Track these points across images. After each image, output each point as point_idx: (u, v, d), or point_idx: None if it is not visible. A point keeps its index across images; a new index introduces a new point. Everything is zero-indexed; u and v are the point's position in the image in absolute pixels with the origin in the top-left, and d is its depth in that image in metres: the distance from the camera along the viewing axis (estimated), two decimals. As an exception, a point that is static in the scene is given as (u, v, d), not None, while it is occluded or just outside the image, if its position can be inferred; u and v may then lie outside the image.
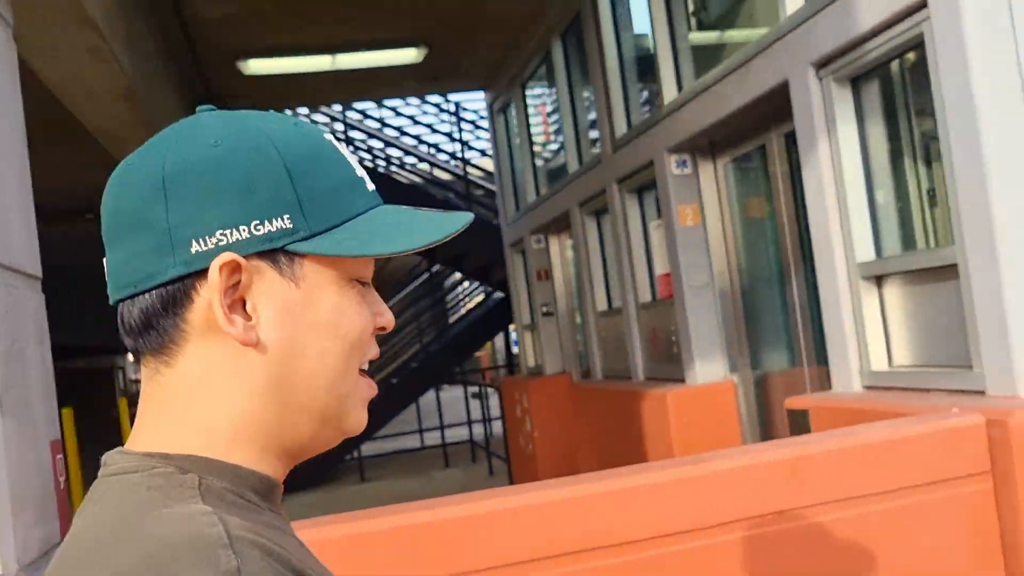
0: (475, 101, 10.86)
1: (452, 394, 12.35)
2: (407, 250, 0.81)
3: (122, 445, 0.82)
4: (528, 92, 8.12)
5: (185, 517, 0.70)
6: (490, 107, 9.18)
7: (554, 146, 8.02)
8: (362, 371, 0.85)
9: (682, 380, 5.08)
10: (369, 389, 0.86)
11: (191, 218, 0.76)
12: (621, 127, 5.75)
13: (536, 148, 8.21)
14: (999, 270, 2.70)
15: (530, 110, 8.24)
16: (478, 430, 11.42)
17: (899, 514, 2.46)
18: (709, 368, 4.94)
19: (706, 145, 4.94)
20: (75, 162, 7.19)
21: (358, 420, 0.85)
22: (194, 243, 0.76)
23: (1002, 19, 2.73)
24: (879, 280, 3.44)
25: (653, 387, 5.26)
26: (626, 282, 5.83)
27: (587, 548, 2.19)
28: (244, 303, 0.78)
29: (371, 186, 0.87)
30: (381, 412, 11.49)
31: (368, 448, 11.22)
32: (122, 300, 0.80)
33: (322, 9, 6.41)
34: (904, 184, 3.44)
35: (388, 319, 0.87)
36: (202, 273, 0.77)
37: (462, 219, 0.85)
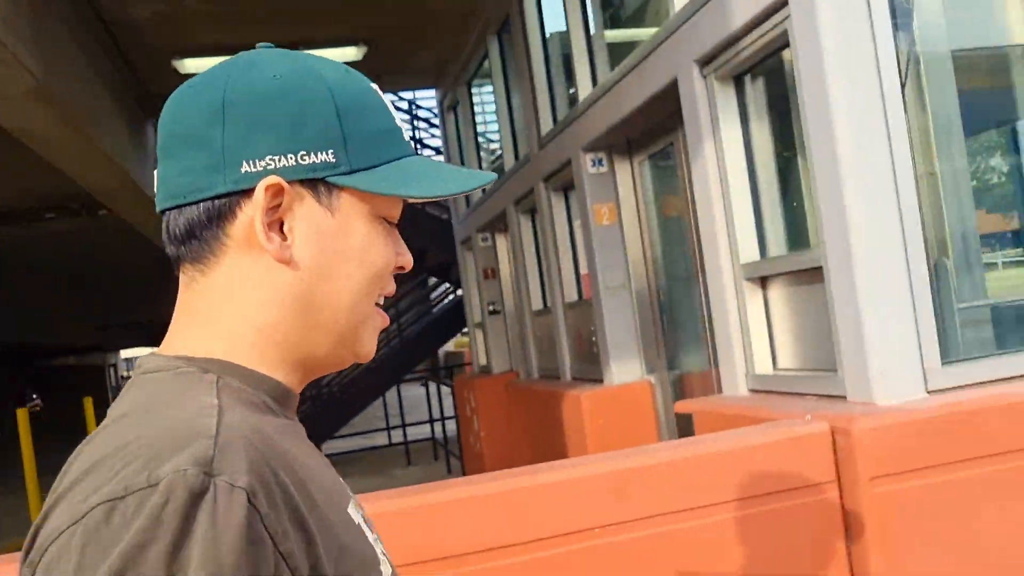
0: (430, 99, 10.73)
1: (417, 392, 12.30)
2: (438, 195, 0.88)
3: None
4: (475, 90, 8.05)
5: (191, 408, 0.76)
6: (440, 104, 9.12)
7: (496, 144, 7.96)
8: (377, 305, 0.91)
9: (601, 380, 5.03)
10: (382, 320, 0.92)
11: (245, 141, 0.82)
12: (547, 124, 5.69)
13: (483, 145, 8.14)
14: (854, 273, 2.65)
15: (478, 108, 8.17)
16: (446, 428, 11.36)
17: (746, 523, 2.40)
18: (626, 368, 4.88)
19: (623, 143, 4.88)
20: (24, 163, 7.13)
21: (370, 347, 0.92)
22: (245, 164, 0.82)
23: (859, 19, 2.67)
24: (763, 281, 3.39)
25: (573, 388, 5.21)
26: (553, 282, 5.77)
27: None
28: (282, 224, 0.84)
29: (407, 136, 0.93)
30: (343, 410, 11.48)
31: (334, 446, 11.17)
32: (168, 209, 0.86)
33: (258, 8, 6.34)
34: (787, 184, 3.39)
35: (407, 259, 0.94)
36: (248, 192, 0.83)
37: (488, 176, 0.93)
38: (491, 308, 7.89)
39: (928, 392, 2.63)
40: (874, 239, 2.64)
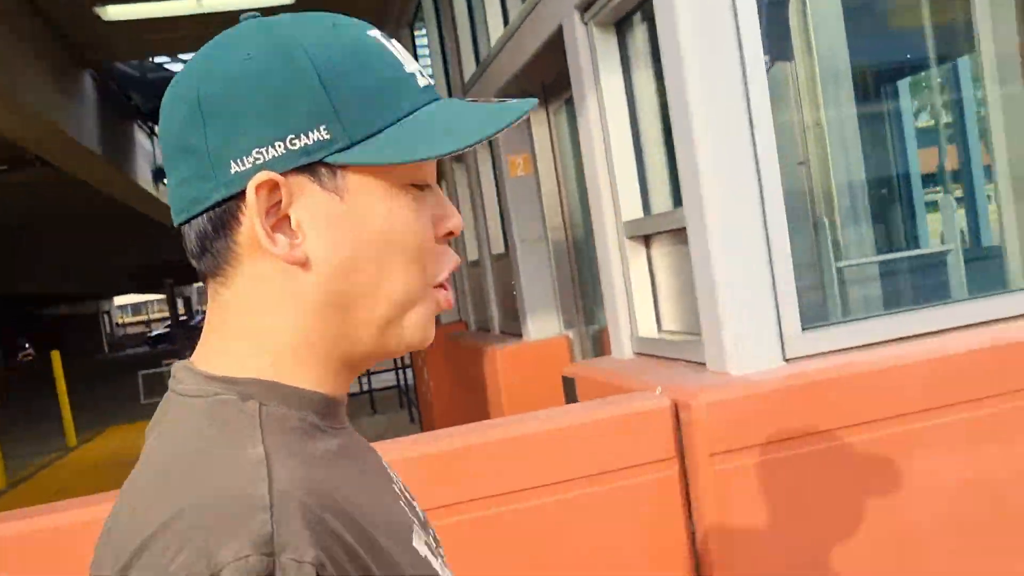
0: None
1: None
2: (454, 151, 0.77)
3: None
4: (417, 34, 7.79)
5: (236, 469, 0.69)
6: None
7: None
8: (439, 284, 0.83)
9: (520, 335, 4.90)
10: (442, 303, 0.83)
11: (227, 139, 0.75)
12: (470, 69, 5.48)
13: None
14: (707, 233, 2.49)
15: (423, 52, 7.91)
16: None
17: (585, 503, 2.29)
18: (543, 324, 4.76)
19: (538, 89, 4.67)
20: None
21: (423, 334, 0.83)
22: (233, 164, 0.75)
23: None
24: (647, 240, 3.23)
25: (494, 342, 5.08)
26: (480, 233, 5.62)
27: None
28: (290, 220, 0.77)
29: (424, 81, 0.82)
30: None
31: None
32: (181, 225, 0.80)
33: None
34: (672, 137, 3.21)
35: (455, 223, 0.83)
36: (244, 194, 0.76)
37: (520, 107, 0.80)
38: (438, 258, 7.74)
39: (787, 360, 2.50)
40: (728, 196, 2.47)
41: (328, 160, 0.76)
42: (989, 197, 3.15)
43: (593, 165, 3.30)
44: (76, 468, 10.22)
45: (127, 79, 10.17)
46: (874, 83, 3.34)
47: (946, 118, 3.38)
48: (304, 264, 0.77)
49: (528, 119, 4.74)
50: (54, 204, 13.14)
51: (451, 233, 0.84)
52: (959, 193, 3.26)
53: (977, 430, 2.35)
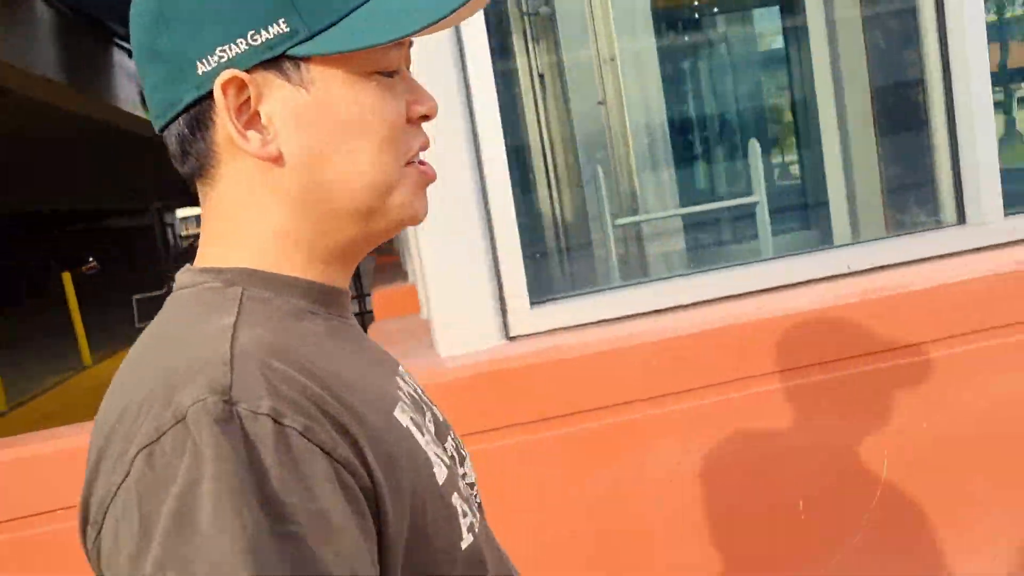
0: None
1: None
2: (413, 31, 0.77)
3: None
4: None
5: (207, 335, 0.73)
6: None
7: None
8: (414, 161, 0.83)
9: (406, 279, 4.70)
10: (420, 175, 0.84)
11: (190, 40, 0.76)
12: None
13: None
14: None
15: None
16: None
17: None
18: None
19: None
20: None
21: (414, 208, 0.84)
22: (199, 64, 0.77)
23: None
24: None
25: (391, 283, 4.88)
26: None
27: None
28: (261, 117, 0.78)
29: None
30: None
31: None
32: (162, 131, 0.82)
33: None
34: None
35: (429, 105, 0.84)
36: (214, 94, 0.76)
37: None
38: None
39: (511, 339, 2.24)
40: (440, 158, 2.19)
41: (291, 53, 0.76)
42: (806, 143, 2.78)
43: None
44: (90, 386, 10.41)
45: (96, 3, 9.97)
46: (684, 14, 2.96)
47: (768, 49, 2.98)
48: (278, 159, 0.79)
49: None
50: (63, 124, 13.18)
51: (426, 117, 0.84)
52: (779, 136, 2.89)
53: (701, 418, 2.08)
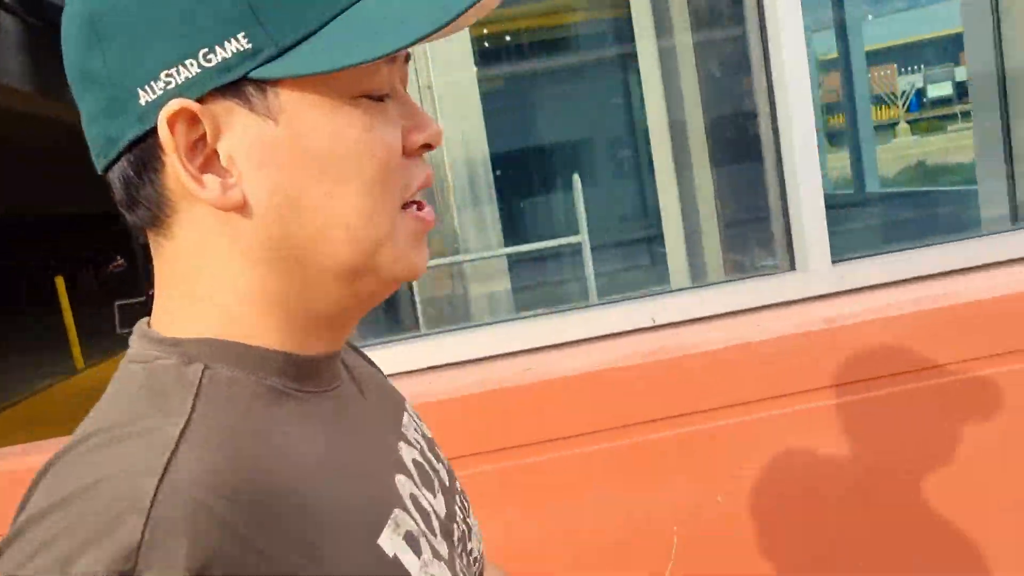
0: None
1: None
2: (404, 46, 0.60)
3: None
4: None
5: (138, 455, 0.55)
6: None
7: None
8: (411, 203, 0.67)
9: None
10: (418, 222, 0.67)
11: (130, 61, 0.61)
12: None
13: None
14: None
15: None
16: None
17: None
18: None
19: None
20: None
21: (410, 263, 0.67)
22: (141, 93, 0.61)
23: None
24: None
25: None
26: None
27: None
28: (219, 156, 0.62)
29: None
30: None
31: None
32: (105, 172, 0.66)
33: None
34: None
35: (431, 133, 0.67)
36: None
37: None
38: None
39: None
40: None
41: (254, 76, 0.60)
42: (636, 178, 2.62)
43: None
44: (80, 389, 10.24)
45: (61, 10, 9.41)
46: (508, 43, 2.77)
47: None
48: (242, 207, 0.63)
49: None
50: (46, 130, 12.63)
51: (427, 146, 0.68)
52: (609, 171, 2.73)
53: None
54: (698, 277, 2.76)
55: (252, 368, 0.65)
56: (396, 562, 0.65)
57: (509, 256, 2.44)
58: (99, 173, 0.68)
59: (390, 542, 0.65)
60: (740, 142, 2.45)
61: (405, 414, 0.81)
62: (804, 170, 2.01)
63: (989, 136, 2.61)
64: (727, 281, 2.07)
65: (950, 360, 1.83)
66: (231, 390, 0.63)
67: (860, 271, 2.04)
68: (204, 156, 0.62)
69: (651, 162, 2.54)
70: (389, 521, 0.66)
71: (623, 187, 2.68)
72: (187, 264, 0.67)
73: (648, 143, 2.54)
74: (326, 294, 0.67)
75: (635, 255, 2.60)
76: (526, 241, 2.51)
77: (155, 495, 0.53)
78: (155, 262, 0.70)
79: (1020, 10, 2.51)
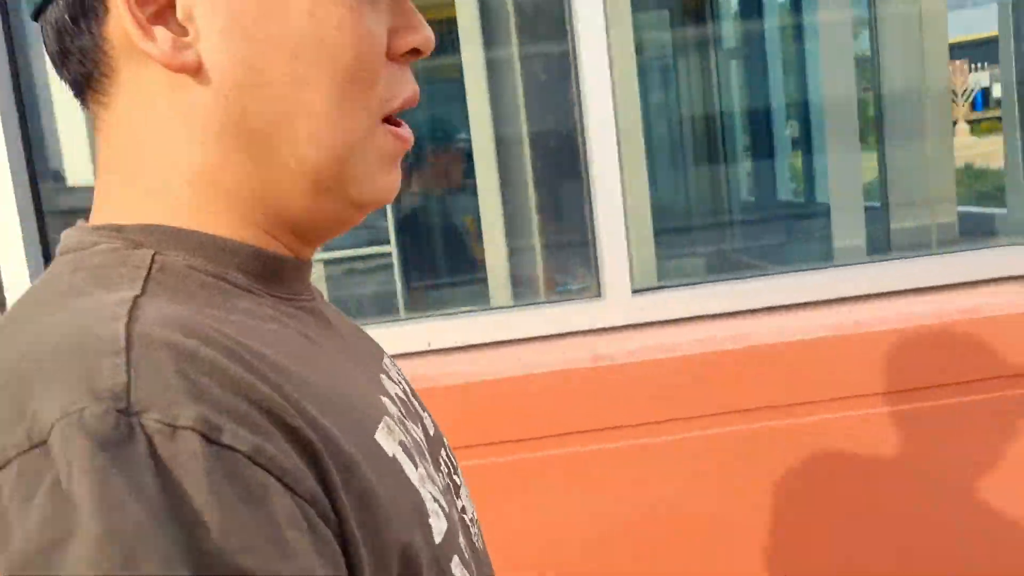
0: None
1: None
2: None
3: None
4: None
5: (88, 309, 0.46)
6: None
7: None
8: (388, 119, 0.58)
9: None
10: (396, 141, 0.59)
11: None
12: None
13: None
14: None
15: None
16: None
17: None
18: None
19: None
20: None
21: (378, 184, 0.59)
22: None
23: None
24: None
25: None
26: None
27: None
28: (176, 9, 0.53)
29: None
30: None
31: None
32: (37, 19, 0.57)
33: None
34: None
35: (422, 37, 0.59)
36: None
37: None
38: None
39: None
40: None
41: None
42: (462, 188, 2.53)
43: None
44: None
45: None
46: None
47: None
48: (196, 71, 0.54)
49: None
50: None
51: (417, 52, 0.59)
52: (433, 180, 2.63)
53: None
54: (520, 297, 2.68)
55: (211, 259, 0.55)
56: (396, 465, 0.55)
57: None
58: (31, 18, 0.58)
59: (386, 441, 0.56)
60: (562, 161, 2.38)
61: (385, 358, 0.73)
62: (604, 194, 1.94)
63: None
64: (519, 306, 1.99)
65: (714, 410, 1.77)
66: (187, 282, 0.52)
67: (659, 303, 1.97)
68: (158, 5, 0.54)
69: (472, 171, 2.44)
70: (382, 423, 0.57)
71: (445, 200, 2.57)
72: (129, 139, 0.57)
73: (472, 154, 2.44)
74: (288, 194, 0.57)
75: (457, 270, 2.50)
76: (333, 249, 2.38)
77: (127, 334, 0.43)
78: (96, 136, 0.60)
79: None
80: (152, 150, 0.57)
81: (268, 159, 0.56)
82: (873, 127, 2.37)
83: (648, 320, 1.96)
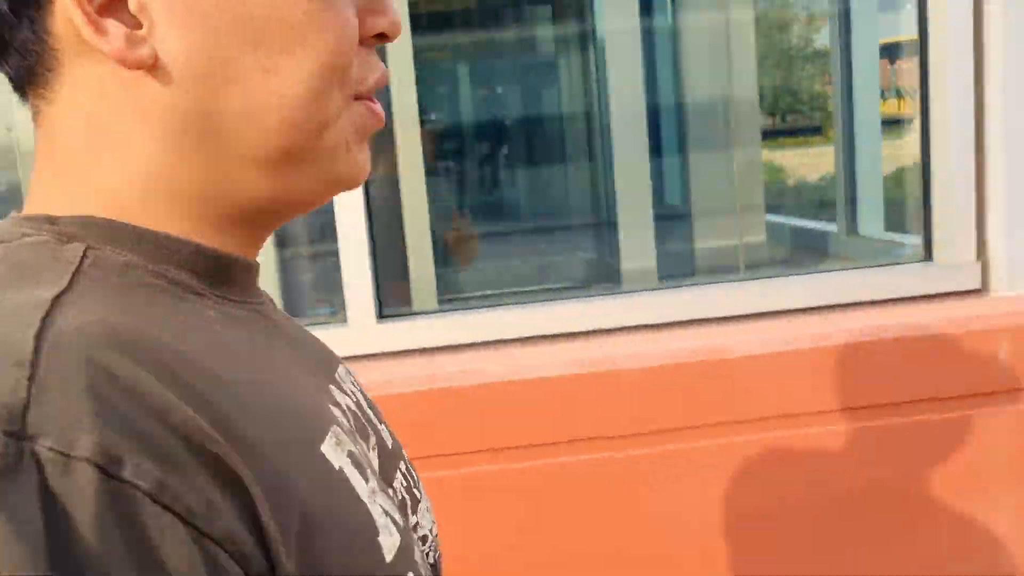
0: None
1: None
2: None
3: None
4: None
5: (3, 314, 0.43)
6: None
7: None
8: (359, 96, 0.56)
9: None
10: (369, 115, 0.57)
11: None
12: None
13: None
14: None
15: None
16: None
17: None
18: None
19: None
20: None
21: (351, 163, 0.56)
22: None
23: None
24: None
25: None
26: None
27: None
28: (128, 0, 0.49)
29: None
30: None
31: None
32: None
33: None
34: None
35: (391, 21, 0.57)
36: None
37: None
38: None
39: None
40: None
41: None
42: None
43: None
44: None
45: None
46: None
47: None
48: (151, 68, 0.50)
49: None
50: None
51: (383, 36, 0.57)
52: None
53: None
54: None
55: (151, 256, 0.51)
56: (342, 479, 0.52)
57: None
58: None
59: (334, 453, 0.52)
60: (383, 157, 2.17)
61: (340, 366, 0.69)
62: (344, 207, 1.73)
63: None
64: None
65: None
66: (123, 280, 0.49)
67: (405, 332, 1.77)
68: None
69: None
70: (329, 434, 0.53)
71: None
72: (72, 136, 0.53)
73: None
74: (245, 184, 0.54)
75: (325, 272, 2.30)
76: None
77: (37, 344, 0.40)
78: (35, 132, 0.55)
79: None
80: (101, 148, 0.53)
81: (228, 153, 0.53)
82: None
83: (395, 349, 1.76)
